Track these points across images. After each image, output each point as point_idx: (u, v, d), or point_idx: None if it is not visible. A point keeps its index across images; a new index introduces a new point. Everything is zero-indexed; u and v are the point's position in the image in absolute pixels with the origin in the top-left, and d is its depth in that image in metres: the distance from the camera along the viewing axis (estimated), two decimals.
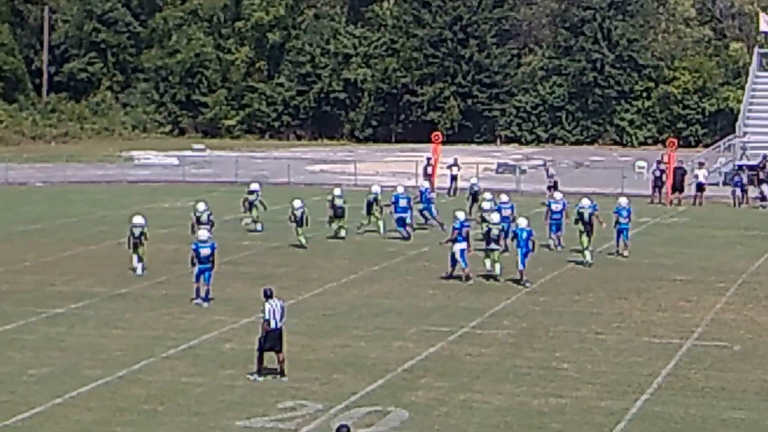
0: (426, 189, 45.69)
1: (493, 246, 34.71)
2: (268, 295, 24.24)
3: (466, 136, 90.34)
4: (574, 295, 32.82)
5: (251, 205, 44.48)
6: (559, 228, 39.95)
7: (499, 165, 68.84)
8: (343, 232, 42.63)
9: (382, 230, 43.28)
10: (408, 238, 42.36)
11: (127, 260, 36.25)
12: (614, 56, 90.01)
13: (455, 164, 57.45)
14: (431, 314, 30.31)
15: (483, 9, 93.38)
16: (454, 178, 56.79)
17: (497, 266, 34.67)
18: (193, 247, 31.54)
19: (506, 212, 39.17)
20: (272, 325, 23.99)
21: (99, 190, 59.56)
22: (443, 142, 64.06)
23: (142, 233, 35.33)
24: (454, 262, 34.45)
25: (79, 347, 26.62)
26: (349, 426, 16.37)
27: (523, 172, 64.72)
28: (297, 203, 40.56)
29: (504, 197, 40.88)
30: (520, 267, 34.08)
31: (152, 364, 25.16)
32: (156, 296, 32.30)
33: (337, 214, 42.44)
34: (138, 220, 35.53)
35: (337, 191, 43.02)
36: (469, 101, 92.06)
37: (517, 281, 34.18)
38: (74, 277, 35.25)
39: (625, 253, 39.04)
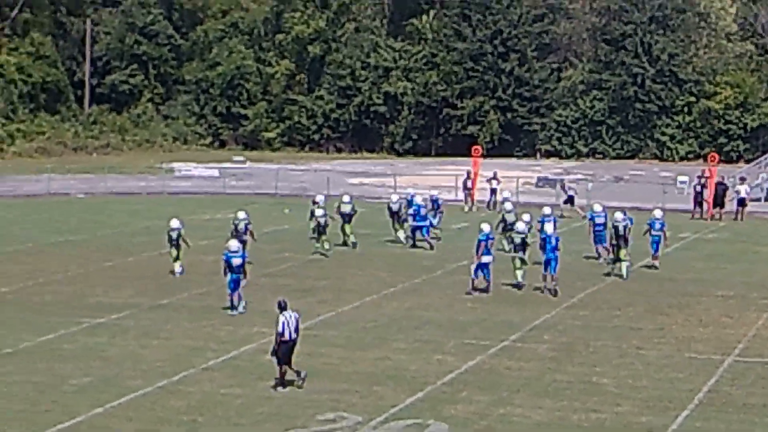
0: (420, 206, 44.53)
1: (519, 254, 35.20)
2: (282, 307, 24.41)
3: (506, 150, 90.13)
4: (615, 310, 32.67)
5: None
6: (602, 240, 40.01)
7: (539, 179, 68.65)
8: (352, 237, 43.23)
9: (403, 239, 43.86)
10: (410, 245, 43.39)
11: (166, 271, 36.48)
12: (655, 71, 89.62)
13: (495, 178, 57.35)
14: (471, 327, 30.25)
15: (523, 23, 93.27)
16: (493, 191, 56.68)
17: (519, 273, 35.16)
18: (224, 257, 31.88)
19: (548, 225, 39.19)
20: (286, 336, 24.13)
21: (139, 201, 59.79)
22: (483, 156, 63.96)
23: (179, 236, 36.95)
24: (476, 273, 34.55)
25: (120, 357, 26.73)
26: None
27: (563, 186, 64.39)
28: (319, 212, 41.56)
29: (547, 210, 40.82)
30: (552, 273, 34.67)
31: (192, 375, 25.23)
32: (196, 307, 32.40)
33: (345, 221, 43.24)
34: (174, 223, 37.18)
35: (345, 198, 44.05)
36: (509, 115, 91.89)
37: (549, 290, 34.66)
38: (115, 287, 35.40)
39: (656, 264, 39.14)
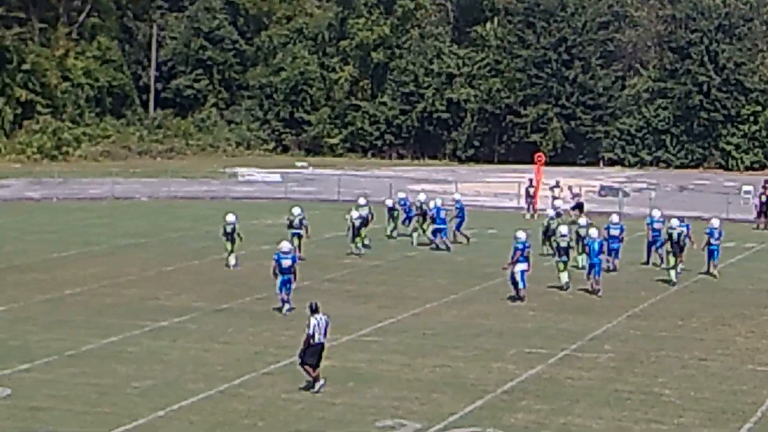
0: (440, 208, 45.29)
1: (564, 258, 35.90)
2: (313, 310, 24.67)
3: (569, 158, 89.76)
4: (677, 320, 32.43)
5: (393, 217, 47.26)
6: (657, 245, 40.45)
7: (602, 187, 68.29)
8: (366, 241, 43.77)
9: (415, 242, 45.33)
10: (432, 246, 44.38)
11: (228, 276, 36.71)
12: (721, 79, 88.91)
13: (557, 186, 57.14)
14: (531, 336, 30.15)
15: (588, 30, 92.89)
16: (555, 199, 56.40)
17: (564, 275, 36.01)
18: (275, 257, 32.34)
19: (615, 232, 39.84)
20: (315, 339, 24.31)
21: (203, 205, 60.16)
22: (546, 164, 63.74)
23: (233, 230, 38.86)
24: (515, 282, 34.59)
25: (182, 361, 26.90)
26: None
27: (626, 194, 64.16)
28: (355, 214, 42.90)
29: (615, 218, 40.82)
30: (597, 277, 35.61)
31: (253, 380, 25.34)
32: (258, 311, 32.54)
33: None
34: (230, 218, 39.09)
35: (361, 200, 45.46)
36: (573, 123, 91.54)
37: (591, 291, 35.44)
38: (177, 291, 35.65)
39: (715, 273, 39.10)
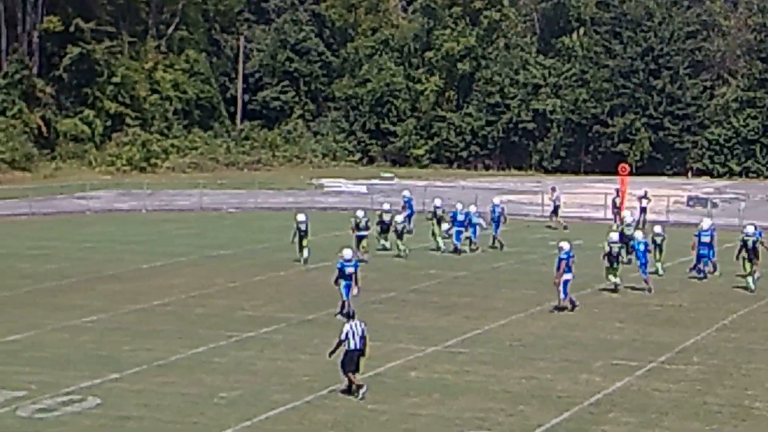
0: (456, 212, 46.69)
1: (614, 264, 37.06)
2: (350, 316, 25.39)
3: (657, 168, 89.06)
4: None
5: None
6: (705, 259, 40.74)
7: (690, 198, 67.60)
8: (402, 248, 44.84)
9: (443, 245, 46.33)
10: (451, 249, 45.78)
11: (315, 286, 36.90)
12: None
13: (645, 197, 56.65)
14: (618, 348, 29.90)
15: (675, 40, 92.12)
16: (643, 210, 55.99)
17: (617, 279, 37.30)
18: (338, 265, 33.02)
19: (705, 239, 39.87)
20: (351, 345, 24.62)
21: (289, 217, 60.30)
22: (631, 174, 63.21)
23: (306, 229, 42.64)
24: (564, 291, 34.59)
25: (268, 371, 27.04)
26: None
27: (715, 205, 63.45)
28: (399, 218, 45.36)
29: (705, 224, 40.46)
30: (644, 276, 37.60)
31: (339, 390, 25.38)
32: (343, 323, 32.52)
33: (383, 229, 45.93)
34: (301, 217, 43.05)
35: (385, 206, 47.96)
36: (660, 133, 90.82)
37: (641, 289, 37.26)
38: (264, 302, 35.87)
39: None
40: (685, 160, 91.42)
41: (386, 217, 45.81)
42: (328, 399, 24.72)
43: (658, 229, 41.11)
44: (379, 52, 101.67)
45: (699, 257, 39.74)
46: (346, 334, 24.70)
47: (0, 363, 27.61)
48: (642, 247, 37.69)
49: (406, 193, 55.44)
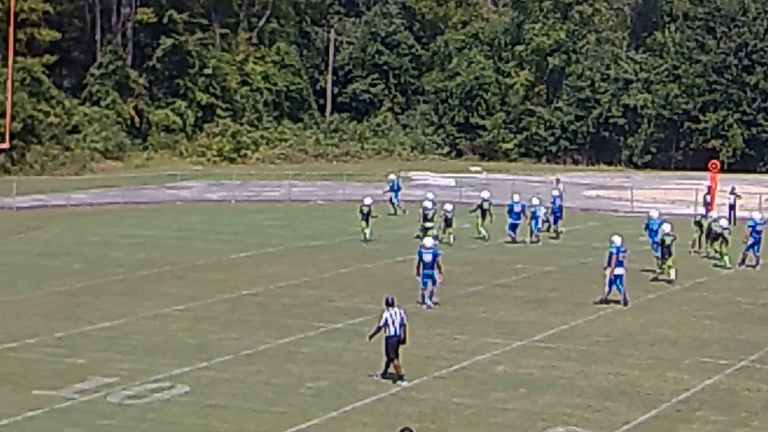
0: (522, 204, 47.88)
1: (665, 255, 38.07)
2: (389, 304, 25.51)
3: (749, 165, 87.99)
4: None
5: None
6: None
7: None
8: (451, 238, 45.51)
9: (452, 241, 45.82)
10: (514, 241, 46.78)
11: (402, 279, 36.98)
12: None
13: (734, 193, 56.03)
14: (708, 345, 29.62)
15: None
16: (732, 207, 55.36)
17: (672, 272, 38.06)
18: (418, 253, 33.37)
19: (666, 225, 39.99)
20: (391, 331, 25.06)
21: (376, 209, 60.49)
22: (723, 170, 62.44)
23: (369, 211, 46.33)
24: (610, 283, 34.35)
25: (355, 362, 27.15)
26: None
27: None
28: (448, 206, 45.85)
29: (756, 216, 41.65)
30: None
31: (424, 383, 25.44)
32: (430, 315, 32.64)
33: (427, 218, 46.00)
34: (367, 200, 46.78)
35: (429, 195, 49.34)
36: (754, 129, 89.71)
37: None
38: (351, 293, 36.02)
39: None
40: None
41: (448, 213, 45.78)
42: (415, 391, 24.78)
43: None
44: (468, 46, 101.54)
45: None
46: (385, 320, 25.17)
47: (92, 349, 28.04)
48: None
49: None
